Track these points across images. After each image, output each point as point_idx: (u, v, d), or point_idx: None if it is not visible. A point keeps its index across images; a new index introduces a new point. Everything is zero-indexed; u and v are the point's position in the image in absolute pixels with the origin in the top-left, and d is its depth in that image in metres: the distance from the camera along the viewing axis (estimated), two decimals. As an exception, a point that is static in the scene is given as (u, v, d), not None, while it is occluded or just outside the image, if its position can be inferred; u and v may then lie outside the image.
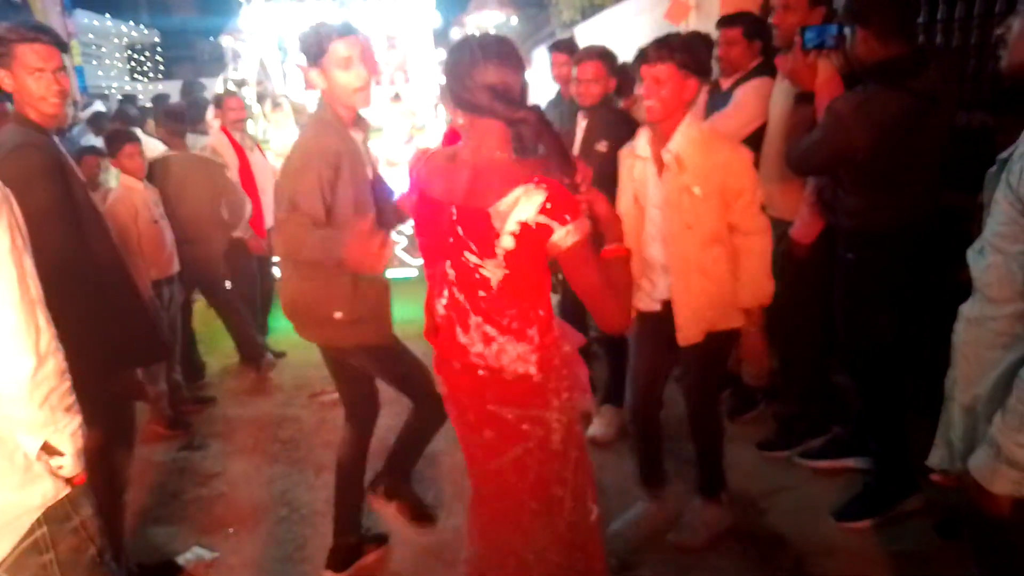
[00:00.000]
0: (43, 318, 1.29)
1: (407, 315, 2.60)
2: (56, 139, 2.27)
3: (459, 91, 1.63)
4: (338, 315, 2.24)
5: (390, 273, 2.37)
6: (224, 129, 4.44)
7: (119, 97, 8.95)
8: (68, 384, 1.34)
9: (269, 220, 4.59)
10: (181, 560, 2.74)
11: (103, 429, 2.30)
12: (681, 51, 2.21)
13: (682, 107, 2.29)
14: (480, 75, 1.59)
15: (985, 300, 1.43)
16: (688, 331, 2.40)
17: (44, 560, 1.36)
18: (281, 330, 4.73)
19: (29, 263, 1.28)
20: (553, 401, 1.77)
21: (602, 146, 3.14)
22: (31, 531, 1.34)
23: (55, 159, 2.18)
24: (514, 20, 10.15)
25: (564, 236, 1.62)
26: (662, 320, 2.45)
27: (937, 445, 1.58)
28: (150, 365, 2.34)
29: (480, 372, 1.78)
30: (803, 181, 2.88)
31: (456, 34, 10.91)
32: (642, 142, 2.45)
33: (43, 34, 2.18)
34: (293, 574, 2.68)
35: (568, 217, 1.62)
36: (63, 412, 1.32)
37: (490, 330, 1.74)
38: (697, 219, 2.30)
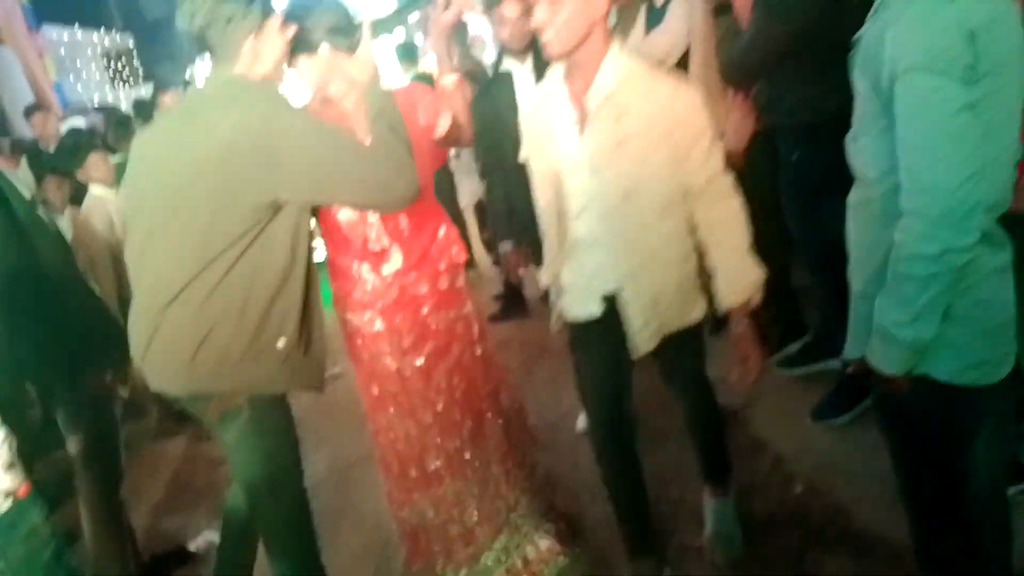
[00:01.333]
0: None
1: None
2: None
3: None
4: (281, 343, 1.75)
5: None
6: None
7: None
8: None
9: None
10: (192, 546, 2.88)
11: (85, 431, 2.43)
12: None
13: (595, 31, 1.71)
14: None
15: (864, 184, 1.44)
16: (642, 337, 1.85)
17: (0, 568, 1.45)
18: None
19: None
20: (468, 300, 2.15)
21: None
22: None
23: None
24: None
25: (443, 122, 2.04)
26: (609, 323, 1.90)
27: (848, 336, 1.59)
28: (118, 365, 2.44)
29: (422, 289, 2.05)
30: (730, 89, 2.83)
31: None
32: (554, 83, 1.86)
33: None
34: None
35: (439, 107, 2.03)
36: (-19, 430, 1.39)
37: (424, 240, 2.06)
38: (641, 182, 1.76)
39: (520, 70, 2.80)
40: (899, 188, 1.31)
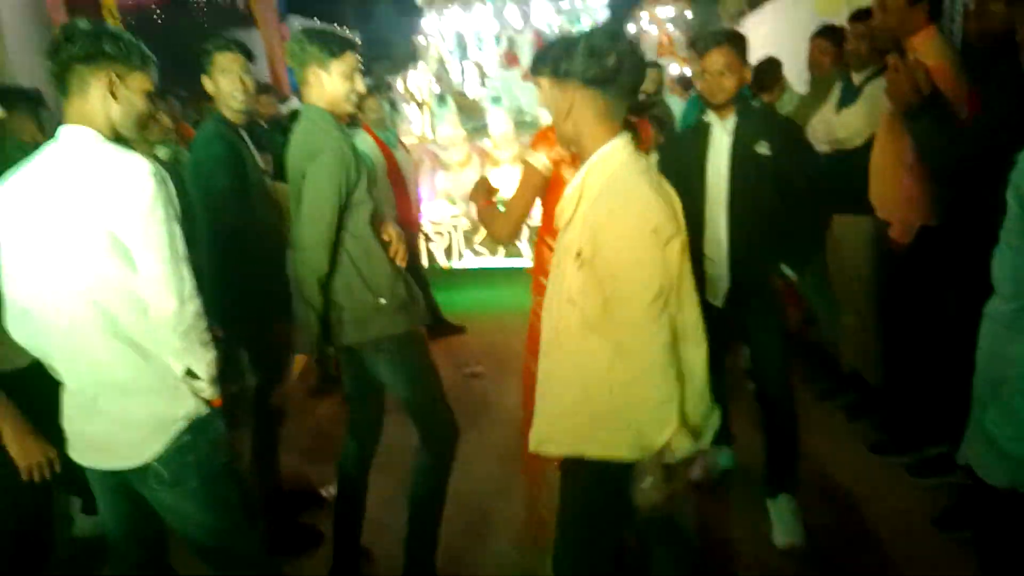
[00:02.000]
0: (186, 271, 1.68)
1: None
2: (241, 131, 2.78)
3: None
4: (383, 300, 2.31)
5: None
6: (367, 127, 4.65)
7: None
8: (205, 324, 1.74)
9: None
10: (323, 491, 3.22)
11: (263, 373, 2.83)
12: (556, 55, 1.70)
13: (576, 127, 1.70)
14: None
15: (999, 296, 1.46)
16: (540, 435, 1.80)
17: (187, 460, 1.77)
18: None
19: (177, 228, 1.67)
20: None
21: (763, 148, 2.57)
22: (179, 436, 1.75)
23: (236, 149, 2.69)
24: (688, 13, 10.10)
25: None
26: None
27: (963, 441, 1.60)
28: (295, 322, 2.86)
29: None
30: (906, 180, 2.79)
31: (632, 28, 11.01)
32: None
33: (233, 43, 2.72)
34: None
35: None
36: (200, 345, 1.73)
37: None
38: (579, 293, 1.66)
39: (718, 124, 2.68)
40: None
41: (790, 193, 2.59)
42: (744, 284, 2.67)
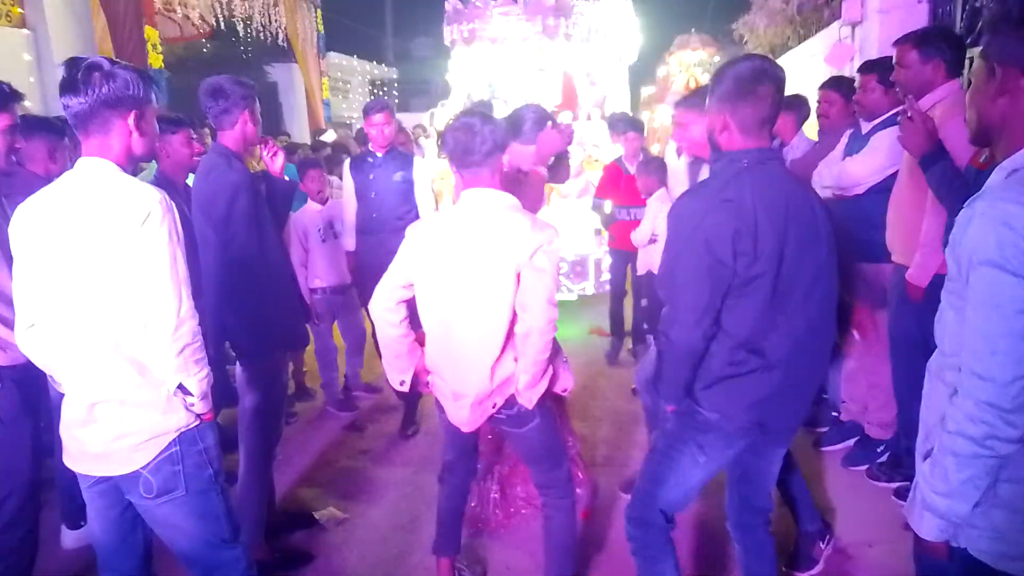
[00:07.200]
0: (185, 292, 1.78)
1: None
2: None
3: None
4: None
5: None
6: None
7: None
8: (199, 343, 1.84)
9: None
10: (317, 515, 3.29)
11: (260, 392, 2.92)
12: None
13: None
14: None
15: (940, 353, 1.48)
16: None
17: (175, 469, 1.87)
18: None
19: (180, 253, 1.78)
20: None
21: None
22: (169, 447, 1.85)
23: (249, 180, 2.83)
24: (717, 57, 10.22)
25: None
26: None
27: (910, 494, 1.61)
28: (295, 350, 2.88)
29: None
30: (924, 225, 2.78)
31: (661, 71, 11.17)
32: None
33: (247, 83, 2.81)
34: (401, 541, 3.11)
35: None
36: (194, 363, 1.83)
37: None
38: None
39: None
40: None
41: None
42: None
